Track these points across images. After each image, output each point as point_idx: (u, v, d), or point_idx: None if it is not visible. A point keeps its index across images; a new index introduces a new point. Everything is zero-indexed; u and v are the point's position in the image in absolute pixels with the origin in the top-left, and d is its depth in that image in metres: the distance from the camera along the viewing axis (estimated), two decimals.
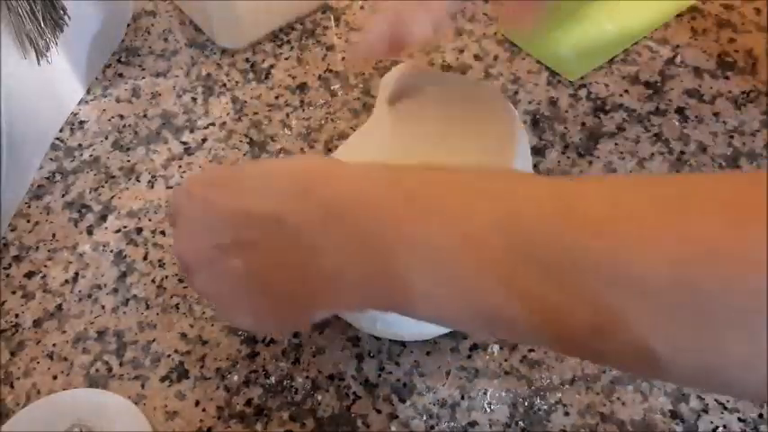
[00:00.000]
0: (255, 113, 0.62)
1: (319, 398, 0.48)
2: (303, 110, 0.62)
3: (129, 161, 0.60)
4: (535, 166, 0.56)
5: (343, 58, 0.64)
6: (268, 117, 0.61)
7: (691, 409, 0.46)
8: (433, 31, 0.46)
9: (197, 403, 0.48)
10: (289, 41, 0.66)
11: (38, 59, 0.56)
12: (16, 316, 0.53)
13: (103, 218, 0.57)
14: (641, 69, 0.61)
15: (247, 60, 0.65)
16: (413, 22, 0.45)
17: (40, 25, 0.55)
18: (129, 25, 0.68)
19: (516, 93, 0.61)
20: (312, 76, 0.64)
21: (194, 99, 0.63)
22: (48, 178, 0.60)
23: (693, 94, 0.59)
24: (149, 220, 0.56)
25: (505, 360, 0.48)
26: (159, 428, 0.47)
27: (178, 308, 0.52)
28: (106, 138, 0.62)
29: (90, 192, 0.59)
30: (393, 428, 0.46)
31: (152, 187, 0.58)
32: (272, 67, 0.65)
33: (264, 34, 0.66)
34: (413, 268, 0.32)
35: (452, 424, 0.46)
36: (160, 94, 0.64)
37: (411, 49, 0.59)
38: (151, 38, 0.68)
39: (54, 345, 0.51)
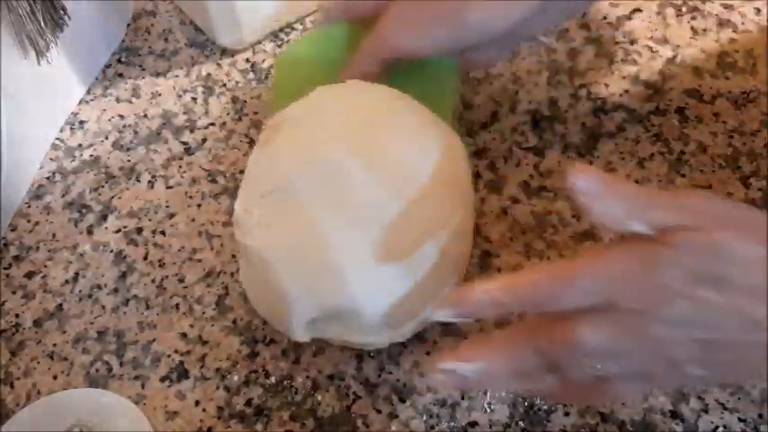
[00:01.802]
0: (255, 113, 0.62)
1: (319, 398, 0.48)
2: None
3: (129, 161, 0.60)
4: (535, 166, 0.56)
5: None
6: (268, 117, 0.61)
7: (691, 409, 0.46)
8: None
9: (197, 403, 0.48)
10: (289, 41, 0.66)
11: (38, 59, 0.56)
12: (16, 316, 0.53)
13: (103, 218, 0.57)
14: (641, 69, 0.61)
15: (247, 60, 0.65)
16: None
17: (40, 25, 0.55)
18: (129, 25, 0.68)
19: (516, 93, 0.61)
20: None
21: (194, 99, 0.63)
22: (48, 178, 0.60)
23: (693, 94, 0.59)
24: (149, 220, 0.57)
25: None
26: (159, 428, 0.47)
27: (178, 308, 0.52)
28: (106, 138, 0.62)
29: (90, 192, 0.59)
30: (393, 428, 0.46)
31: (152, 187, 0.58)
32: (272, 67, 0.65)
33: (264, 34, 0.66)
34: None
35: (452, 424, 0.46)
36: (160, 94, 0.64)
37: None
38: (151, 38, 0.68)
39: (54, 345, 0.51)
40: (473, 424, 0.46)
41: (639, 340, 0.37)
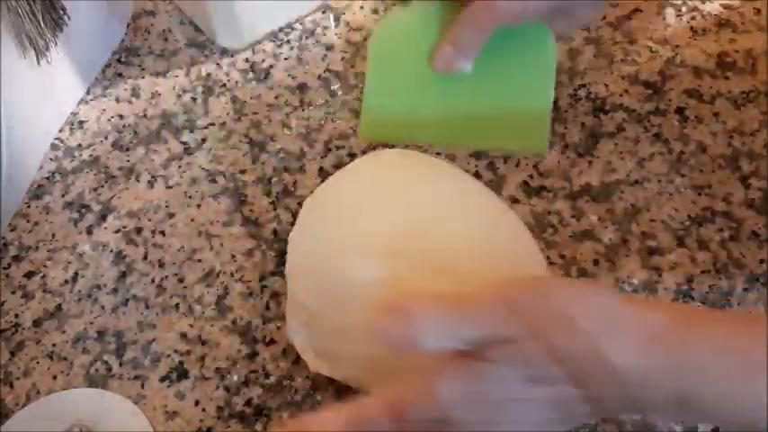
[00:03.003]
0: (255, 113, 0.62)
1: (319, 398, 0.48)
2: (303, 110, 0.62)
3: (128, 161, 0.60)
4: (535, 166, 0.56)
5: (343, 58, 0.64)
6: (268, 117, 0.61)
7: None
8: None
9: (197, 403, 0.48)
10: (289, 41, 0.66)
11: (37, 59, 0.56)
12: (16, 316, 0.53)
13: (103, 218, 0.57)
14: (641, 69, 0.61)
15: (247, 60, 0.65)
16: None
17: (40, 25, 0.55)
18: (128, 25, 0.68)
19: None
20: (312, 76, 0.64)
21: (194, 99, 0.63)
22: (47, 178, 0.59)
23: (693, 94, 0.59)
24: (149, 220, 0.56)
25: None
26: (159, 428, 0.47)
27: (178, 308, 0.52)
28: (106, 138, 0.62)
29: (90, 192, 0.58)
30: None
31: (152, 187, 0.58)
32: (271, 67, 0.65)
33: (264, 34, 0.66)
34: None
35: None
36: (160, 94, 0.64)
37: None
38: (151, 38, 0.68)
39: (54, 345, 0.51)
40: None
41: None
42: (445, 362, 0.38)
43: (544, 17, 0.49)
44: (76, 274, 0.54)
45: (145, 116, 0.63)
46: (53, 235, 0.56)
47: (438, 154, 0.56)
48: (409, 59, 0.51)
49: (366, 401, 0.38)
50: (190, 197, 0.57)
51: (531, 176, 0.56)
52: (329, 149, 0.59)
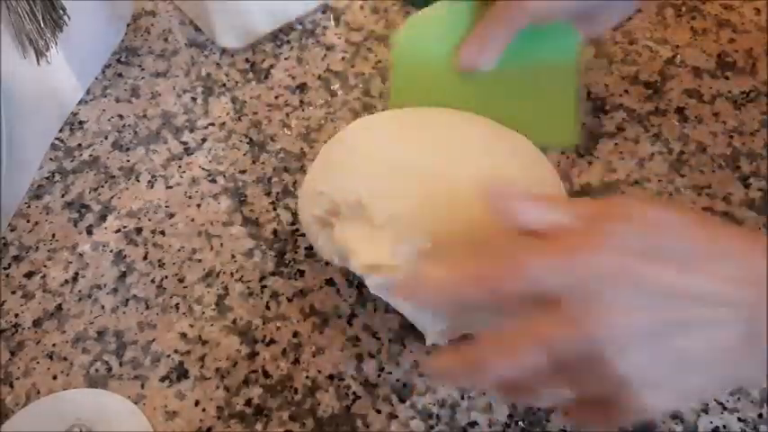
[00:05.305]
0: (255, 113, 0.62)
1: (319, 398, 0.48)
2: (303, 110, 0.62)
3: (128, 161, 0.60)
4: None
5: (343, 58, 0.64)
6: (268, 117, 0.61)
7: (691, 409, 0.46)
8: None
9: (197, 403, 0.48)
10: (289, 41, 0.66)
11: (37, 59, 0.56)
12: (16, 316, 0.53)
13: (103, 218, 0.57)
14: (641, 69, 0.61)
15: (247, 60, 0.65)
16: None
17: (40, 25, 0.55)
18: (129, 25, 0.68)
19: None
20: (312, 76, 0.64)
21: (194, 99, 0.63)
22: (47, 178, 0.60)
23: (693, 94, 0.59)
24: (149, 220, 0.56)
25: None
26: (159, 428, 0.47)
27: (178, 308, 0.52)
28: (106, 138, 0.62)
29: (90, 192, 0.59)
30: (393, 428, 0.46)
31: (152, 187, 0.58)
32: (271, 67, 0.65)
33: (264, 34, 0.66)
34: None
35: (452, 424, 0.46)
36: (160, 94, 0.64)
37: None
38: (151, 38, 0.68)
39: (54, 345, 0.51)
40: (473, 424, 0.46)
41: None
42: (532, 240, 0.36)
43: (571, 18, 0.49)
44: (76, 274, 0.54)
45: (145, 116, 0.63)
46: (53, 235, 0.56)
47: None
48: (435, 60, 0.51)
49: (456, 272, 0.36)
50: (190, 197, 0.58)
51: None
52: None
